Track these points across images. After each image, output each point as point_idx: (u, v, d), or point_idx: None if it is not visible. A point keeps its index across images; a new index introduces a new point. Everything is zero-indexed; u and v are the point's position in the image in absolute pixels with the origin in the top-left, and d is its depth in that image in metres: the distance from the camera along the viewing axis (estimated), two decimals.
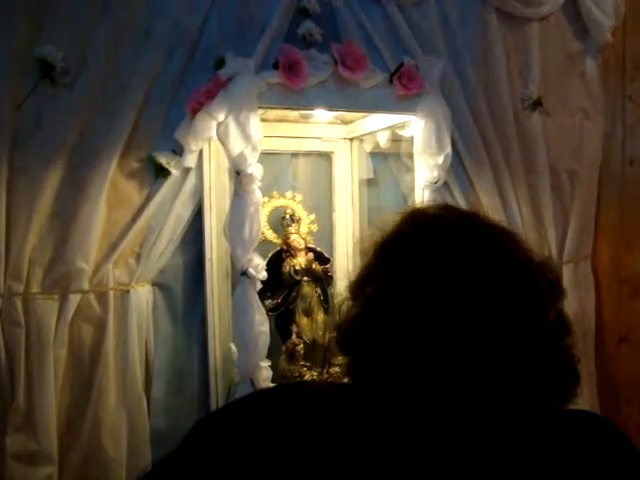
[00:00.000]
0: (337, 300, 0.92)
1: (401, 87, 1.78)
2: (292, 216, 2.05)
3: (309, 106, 1.80)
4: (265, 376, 1.70)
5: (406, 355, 0.77)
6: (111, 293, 1.83)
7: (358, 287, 0.87)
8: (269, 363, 1.74)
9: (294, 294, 2.01)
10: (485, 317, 0.75)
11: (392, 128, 2.02)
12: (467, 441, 0.76)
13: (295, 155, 2.19)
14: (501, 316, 0.76)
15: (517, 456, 0.76)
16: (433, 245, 0.81)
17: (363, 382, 0.85)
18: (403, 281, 0.79)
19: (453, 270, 0.77)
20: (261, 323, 1.68)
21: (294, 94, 1.68)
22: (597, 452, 0.79)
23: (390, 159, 2.27)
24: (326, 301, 2.08)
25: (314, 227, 2.11)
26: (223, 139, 1.63)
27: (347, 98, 1.76)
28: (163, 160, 1.84)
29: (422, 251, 0.80)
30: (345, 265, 2.22)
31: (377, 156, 2.26)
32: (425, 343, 0.76)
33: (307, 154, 2.20)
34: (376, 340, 0.80)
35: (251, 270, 1.66)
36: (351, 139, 2.22)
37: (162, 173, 1.86)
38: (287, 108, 1.81)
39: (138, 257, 1.89)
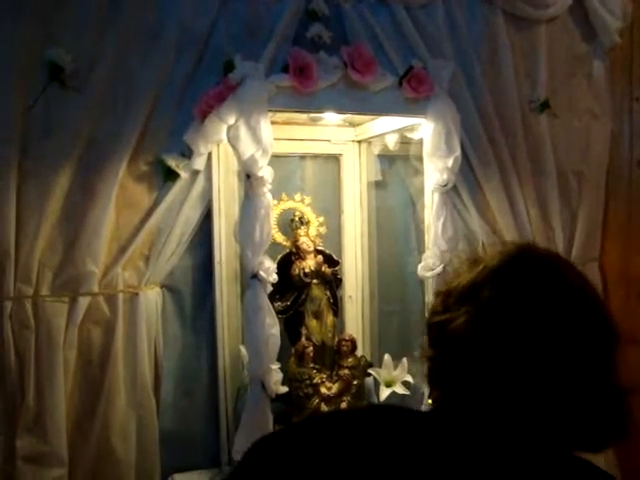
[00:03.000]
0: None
1: (410, 90, 1.79)
2: (301, 218, 2.05)
3: (319, 109, 1.81)
4: (275, 379, 1.70)
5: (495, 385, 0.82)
6: (120, 296, 1.84)
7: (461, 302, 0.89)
8: (279, 365, 1.74)
9: (303, 296, 2.01)
10: (561, 352, 0.80)
11: (401, 131, 2.02)
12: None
13: (304, 157, 2.19)
14: (574, 354, 0.81)
15: None
16: (535, 284, 0.84)
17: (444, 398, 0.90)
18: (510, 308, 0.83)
19: (546, 309, 0.82)
20: (272, 326, 1.69)
21: (304, 97, 1.68)
22: None
23: (398, 161, 2.28)
24: (335, 303, 2.08)
25: (323, 229, 2.11)
26: (234, 142, 1.63)
27: (357, 101, 1.76)
28: (172, 163, 1.85)
29: (527, 288, 0.84)
30: (354, 267, 2.23)
31: (385, 158, 2.26)
32: (511, 379, 0.81)
33: (316, 156, 2.20)
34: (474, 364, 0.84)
35: (262, 273, 1.66)
36: (360, 142, 2.22)
37: (171, 176, 1.87)
38: (297, 111, 1.82)
39: (147, 260, 1.89)
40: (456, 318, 0.85)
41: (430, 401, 0.96)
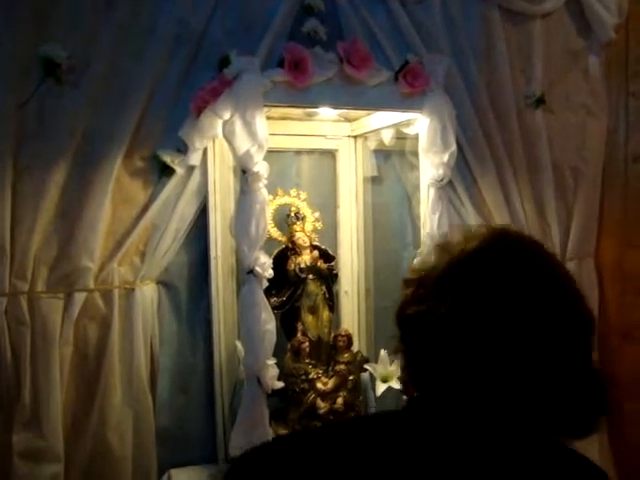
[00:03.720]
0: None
1: (406, 85, 1.78)
2: (297, 214, 2.05)
3: (314, 104, 1.80)
4: (271, 374, 1.70)
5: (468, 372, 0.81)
6: (116, 291, 1.84)
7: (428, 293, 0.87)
8: (275, 361, 1.74)
9: (299, 292, 2.00)
10: (537, 340, 0.79)
11: (396, 126, 2.02)
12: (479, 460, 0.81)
13: (299, 153, 2.19)
14: (550, 340, 0.80)
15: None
16: (507, 268, 0.83)
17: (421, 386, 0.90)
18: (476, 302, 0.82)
19: (520, 294, 0.81)
20: (268, 321, 1.68)
21: (300, 92, 1.68)
22: None
23: (394, 157, 2.27)
24: (331, 299, 2.08)
25: (319, 225, 2.10)
26: (229, 138, 1.63)
27: (352, 96, 1.76)
28: (167, 158, 1.85)
29: (499, 274, 0.83)
30: (350, 262, 2.23)
31: (381, 154, 2.26)
32: (484, 364, 0.80)
33: (311, 152, 2.20)
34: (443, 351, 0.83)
35: (257, 268, 1.66)
36: (355, 137, 2.22)
37: (166, 171, 1.87)
38: (293, 106, 1.82)
39: (143, 255, 1.89)
40: (436, 308, 0.83)
41: (405, 396, 0.95)
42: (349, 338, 2.01)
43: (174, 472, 1.91)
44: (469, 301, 0.81)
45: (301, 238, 2.02)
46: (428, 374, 0.87)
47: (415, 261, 1.85)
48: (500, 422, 0.81)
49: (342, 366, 1.97)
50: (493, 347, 0.79)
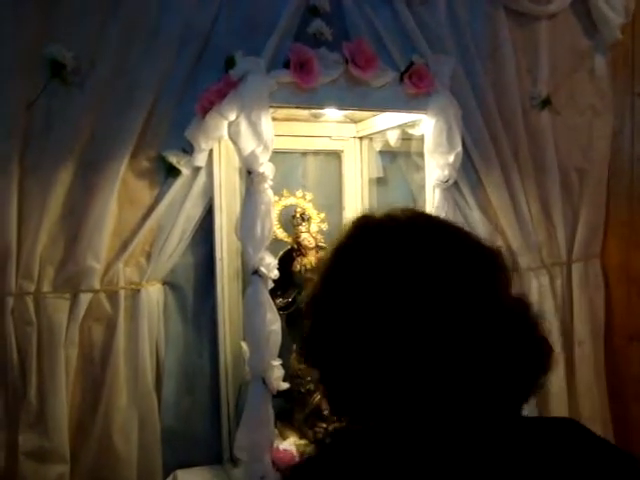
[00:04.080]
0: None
1: (411, 86, 1.78)
2: (302, 215, 2.04)
3: (320, 105, 1.80)
4: (276, 375, 1.69)
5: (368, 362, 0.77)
6: (122, 292, 1.84)
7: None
8: (280, 362, 1.73)
9: (305, 293, 2.00)
10: (439, 311, 0.74)
11: (402, 127, 2.02)
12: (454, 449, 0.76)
13: (305, 154, 2.19)
14: (455, 307, 0.75)
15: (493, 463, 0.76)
16: (377, 249, 0.80)
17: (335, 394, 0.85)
18: (350, 285, 0.79)
19: (403, 269, 0.77)
20: (273, 322, 1.68)
21: (305, 93, 1.67)
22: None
23: (400, 158, 2.27)
24: None
25: (324, 226, 2.10)
26: (235, 138, 1.63)
27: (358, 97, 1.75)
28: (173, 159, 1.85)
29: (367, 256, 0.80)
30: None
31: (387, 155, 2.26)
32: (382, 345, 0.75)
33: (317, 153, 2.20)
34: (331, 350, 0.81)
35: (263, 269, 1.66)
36: (361, 138, 2.21)
37: (172, 172, 1.87)
38: (298, 107, 1.81)
39: (149, 256, 1.89)
40: (324, 322, 0.83)
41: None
42: None
43: (180, 473, 1.91)
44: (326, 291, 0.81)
45: (307, 239, 2.01)
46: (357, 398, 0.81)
47: None
48: (454, 410, 0.75)
49: None
50: (395, 339, 0.74)
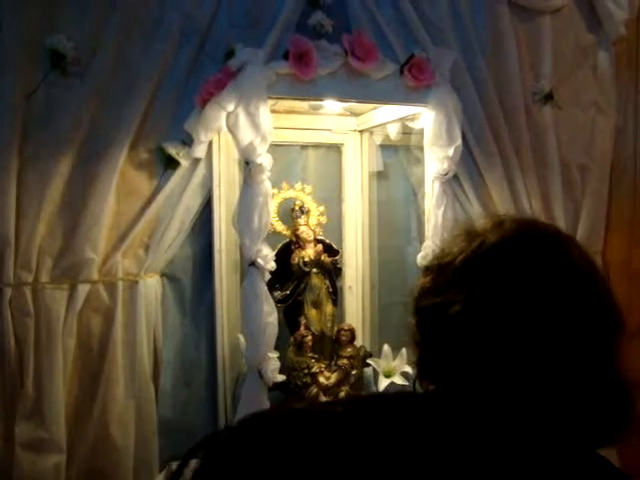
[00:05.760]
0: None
1: (411, 78, 1.77)
2: (301, 208, 2.04)
3: (319, 97, 1.79)
4: (273, 367, 1.69)
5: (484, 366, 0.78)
6: (120, 283, 1.84)
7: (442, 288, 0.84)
8: (277, 354, 1.74)
9: (303, 286, 2.01)
10: (563, 339, 0.76)
11: (402, 120, 2.01)
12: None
13: (305, 147, 2.19)
14: (576, 340, 0.76)
15: None
16: (533, 266, 0.79)
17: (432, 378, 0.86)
18: (494, 295, 0.78)
19: (548, 296, 0.77)
20: (269, 314, 1.68)
21: (304, 84, 1.67)
22: None
23: (400, 151, 2.27)
24: (334, 293, 2.08)
25: (323, 219, 2.10)
26: (233, 129, 1.62)
27: (357, 89, 1.75)
28: (173, 151, 1.85)
29: (520, 271, 0.79)
30: (354, 257, 2.22)
31: (387, 148, 2.26)
32: (501, 358, 0.76)
33: (317, 146, 2.20)
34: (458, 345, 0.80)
35: (260, 260, 1.66)
36: (361, 131, 2.21)
37: (171, 164, 1.87)
38: (297, 98, 1.81)
39: (147, 248, 1.89)
40: (452, 302, 0.79)
41: (420, 390, 0.91)
42: (352, 332, 2.00)
43: (176, 464, 1.90)
44: (486, 296, 0.78)
45: (305, 232, 2.02)
46: (441, 369, 0.83)
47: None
48: (514, 423, 0.77)
49: (345, 360, 1.97)
50: (509, 345, 0.75)
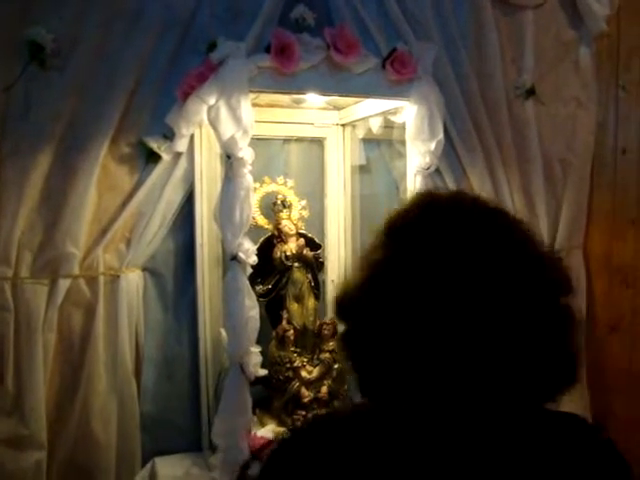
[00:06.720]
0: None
1: (393, 72, 1.77)
2: (283, 202, 2.04)
3: (301, 90, 1.78)
4: (255, 361, 1.69)
5: (403, 332, 0.76)
6: (101, 278, 1.83)
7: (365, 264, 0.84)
8: (259, 349, 1.73)
9: (285, 280, 2.00)
10: (489, 306, 0.75)
11: (384, 114, 2.01)
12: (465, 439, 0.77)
13: (287, 141, 2.18)
14: (506, 306, 0.75)
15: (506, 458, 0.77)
16: (444, 231, 0.79)
17: (358, 354, 0.84)
18: (410, 264, 0.77)
19: (462, 259, 0.76)
20: (251, 308, 1.68)
21: (286, 78, 1.66)
22: (583, 460, 0.81)
23: (382, 145, 2.27)
24: (317, 287, 2.08)
25: (305, 213, 2.10)
26: (214, 123, 1.61)
27: (339, 82, 1.74)
28: (154, 145, 1.84)
29: (433, 236, 0.79)
30: (336, 251, 2.22)
31: (369, 142, 2.26)
32: (424, 327, 0.75)
33: (299, 140, 2.19)
34: (377, 308, 0.78)
35: (241, 254, 1.65)
36: (343, 125, 2.21)
37: (153, 158, 1.86)
38: (278, 92, 1.79)
39: (128, 242, 1.88)
40: (353, 287, 0.81)
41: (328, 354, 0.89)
42: (335, 326, 2.00)
43: (158, 460, 1.91)
44: (380, 278, 0.78)
45: (287, 226, 2.01)
46: (382, 376, 0.81)
47: None
48: (473, 395, 0.76)
49: (327, 354, 1.97)
50: (451, 318, 0.74)
